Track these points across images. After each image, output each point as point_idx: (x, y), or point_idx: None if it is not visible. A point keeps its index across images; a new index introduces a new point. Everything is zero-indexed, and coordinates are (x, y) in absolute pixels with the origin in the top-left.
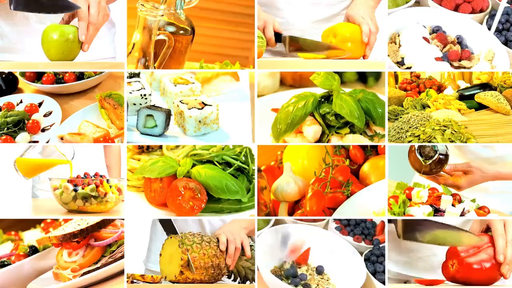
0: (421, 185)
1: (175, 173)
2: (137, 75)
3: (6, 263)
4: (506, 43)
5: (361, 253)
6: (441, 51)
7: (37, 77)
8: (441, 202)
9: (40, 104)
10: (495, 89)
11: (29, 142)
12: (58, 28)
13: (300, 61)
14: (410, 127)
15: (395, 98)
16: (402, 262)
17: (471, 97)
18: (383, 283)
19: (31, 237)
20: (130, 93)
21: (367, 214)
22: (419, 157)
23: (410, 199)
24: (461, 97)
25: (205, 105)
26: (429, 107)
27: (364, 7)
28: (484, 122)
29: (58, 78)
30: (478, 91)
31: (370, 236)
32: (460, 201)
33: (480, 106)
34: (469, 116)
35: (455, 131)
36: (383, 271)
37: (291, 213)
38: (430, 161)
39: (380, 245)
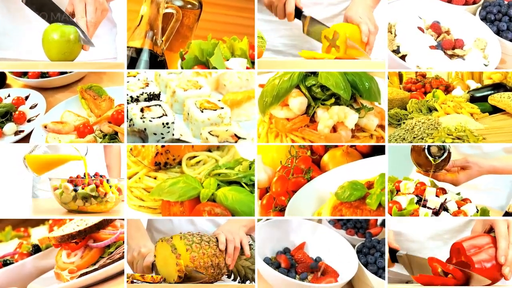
0: (409, 179)
1: (198, 196)
2: (157, 96)
3: (8, 261)
4: (498, 32)
5: (354, 246)
6: (435, 40)
7: (24, 72)
8: (425, 193)
9: (26, 98)
10: (510, 90)
11: (16, 132)
12: (59, 28)
13: (301, 61)
14: (414, 137)
15: (398, 100)
16: None
17: (484, 98)
18: (375, 273)
19: (37, 234)
20: (150, 121)
21: (324, 194)
22: (429, 157)
23: (399, 190)
24: (472, 99)
25: (239, 138)
26: (436, 110)
27: (362, 7)
28: (504, 131)
29: (43, 72)
30: (491, 92)
31: (363, 230)
32: (444, 193)
33: (494, 109)
34: (483, 122)
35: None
36: (375, 262)
37: (260, 197)
38: (440, 159)
39: (372, 238)
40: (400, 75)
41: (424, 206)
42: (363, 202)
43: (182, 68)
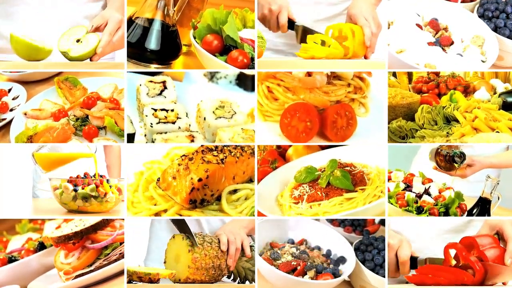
0: (400, 170)
1: None
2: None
3: (14, 258)
4: (495, 29)
5: (351, 243)
6: (434, 37)
7: None
8: (413, 181)
9: (9, 90)
10: None
11: None
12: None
13: (300, 61)
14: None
15: (403, 106)
16: None
17: None
18: (372, 270)
19: (48, 229)
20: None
21: (286, 180)
22: (454, 164)
23: (390, 179)
24: (505, 105)
25: None
26: (457, 121)
27: (366, 5)
28: None
29: None
30: None
31: (360, 227)
32: (430, 182)
33: None
34: None
35: None
36: (372, 259)
37: None
38: (462, 164)
39: (370, 236)
40: (410, 73)
41: (410, 191)
42: (316, 183)
43: (194, 38)
